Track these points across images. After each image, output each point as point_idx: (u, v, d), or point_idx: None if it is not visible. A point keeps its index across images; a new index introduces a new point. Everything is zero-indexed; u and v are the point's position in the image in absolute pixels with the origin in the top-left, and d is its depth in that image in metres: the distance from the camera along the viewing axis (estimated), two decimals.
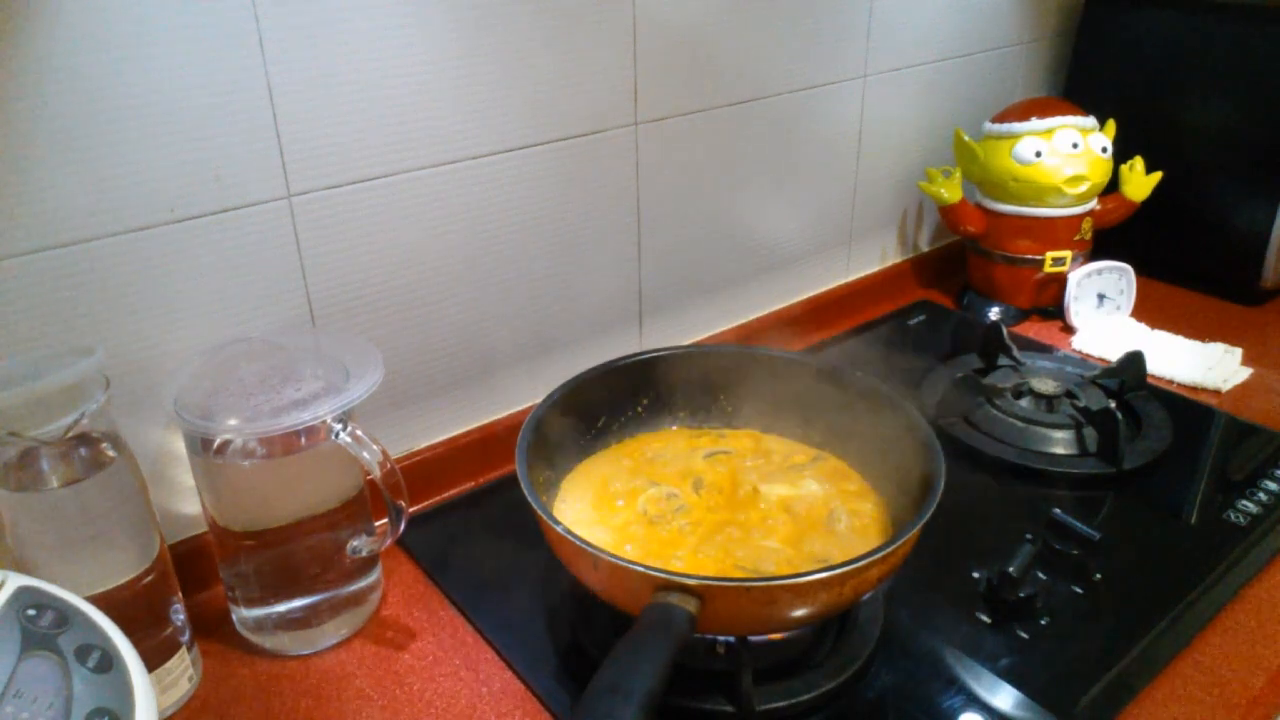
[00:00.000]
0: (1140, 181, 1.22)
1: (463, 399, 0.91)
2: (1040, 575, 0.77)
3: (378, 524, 0.74)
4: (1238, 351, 1.11)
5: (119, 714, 0.46)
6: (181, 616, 0.68)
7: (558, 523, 0.62)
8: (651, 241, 1.00)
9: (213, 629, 0.74)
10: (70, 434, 0.58)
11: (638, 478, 0.79)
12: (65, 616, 0.49)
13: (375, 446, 0.67)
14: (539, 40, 0.83)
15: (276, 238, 0.74)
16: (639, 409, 0.85)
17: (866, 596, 0.70)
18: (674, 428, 0.86)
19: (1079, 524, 0.79)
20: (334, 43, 0.72)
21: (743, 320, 1.14)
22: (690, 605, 0.56)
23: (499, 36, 0.80)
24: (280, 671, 0.71)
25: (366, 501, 0.74)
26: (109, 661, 0.48)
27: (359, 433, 0.67)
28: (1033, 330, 1.21)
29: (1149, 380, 1.03)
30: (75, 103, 0.62)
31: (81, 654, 0.48)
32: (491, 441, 0.92)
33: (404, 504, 0.68)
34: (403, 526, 0.68)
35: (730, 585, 0.58)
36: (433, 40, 0.77)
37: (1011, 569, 0.74)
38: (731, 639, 0.65)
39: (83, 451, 0.61)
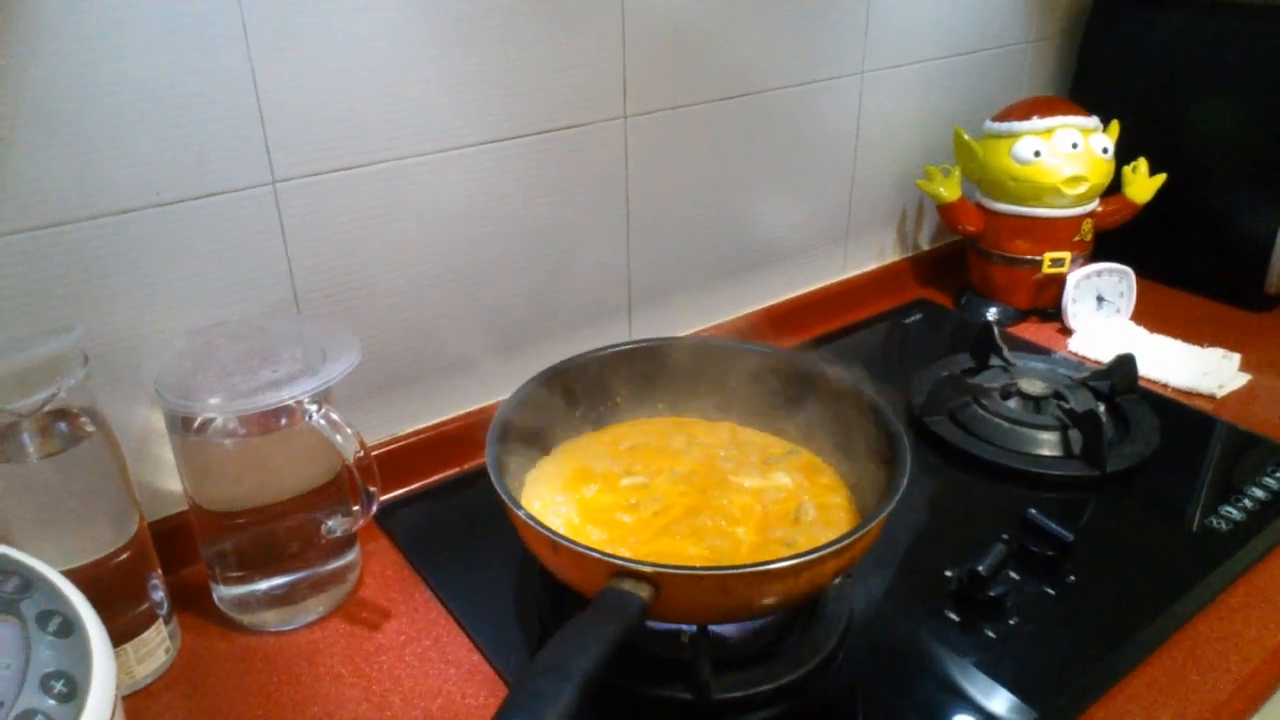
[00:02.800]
0: (1143, 183, 1.21)
1: (448, 386, 0.92)
2: (1013, 575, 0.77)
3: (355, 506, 0.75)
4: (1236, 357, 1.10)
5: (76, 677, 0.48)
6: (160, 592, 0.70)
7: (519, 506, 0.63)
8: (641, 234, 1.01)
9: (194, 604, 0.76)
10: (48, 408, 0.60)
11: (612, 465, 0.80)
12: (29, 583, 0.51)
13: (349, 430, 0.68)
14: (527, 30, 0.84)
15: (261, 223, 0.75)
16: (618, 399, 0.85)
17: (829, 586, 0.71)
18: (652, 418, 0.87)
19: (1053, 525, 0.79)
20: (319, 29, 0.73)
21: (735, 315, 1.14)
22: (644, 592, 0.57)
23: (486, 25, 0.81)
24: (257, 646, 0.73)
25: (344, 483, 0.75)
26: (69, 627, 0.50)
27: (334, 416, 0.68)
28: (1030, 331, 1.21)
29: (1142, 384, 1.03)
30: (59, 85, 0.64)
31: (43, 619, 0.49)
32: (475, 429, 0.92)
33: (375, 489, 0.69)
34: (373, 510, 0.70)
35: (683, 573, 0.58)
36: (420, 29, 0.78)
37: (981, 568, 0.74)
38: (693, 628, 0.66)
39: (62, 426, 0.63)
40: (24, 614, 0.49)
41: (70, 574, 0.54)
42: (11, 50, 0.61)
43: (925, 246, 1.36)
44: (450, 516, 0.87)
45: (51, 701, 0.46)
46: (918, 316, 1.25)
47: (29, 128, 0.63)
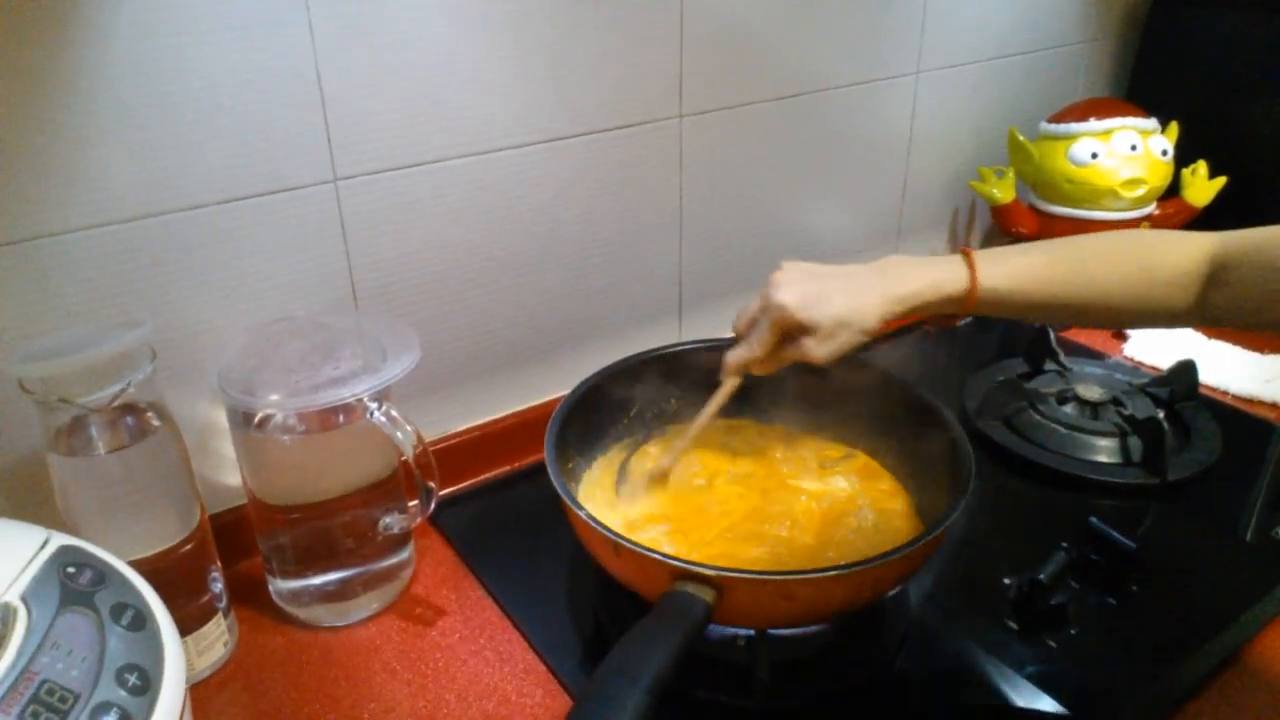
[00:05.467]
0: (1202, 186, 1.19)
1: (500, 384, 0.92)
2: (1073, 584, 0.76)
3: (410, 503, 0.75)
4: None
5: (149, 670, 0.48)
6: (219, 584, 0.70)
7: (581, 507, 0.63)
8: (694, 234, 1.00)
9: (250, 597, 0.77)
10: (117, 402, 0.61)
11: (668, 466, 0.79)
12: (103, 575, 0.51)
13: (409, 427, 0.68)
14: (584, 31, 0.83)
15: (322, 220, 0.76)
16: (674, 400, 0.85)
17: (889, 595, 0.70)
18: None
19: (1116, 534, 0.77)
20: (382, 31, 0.73)
21: None
22: (707, 595, 0.57)
23: (544, 26, 0.81)
24: (312, 641, 0.73)
25: (400, 480, 0.75)
26: (142, 620, 0.50)
27: (393, 413, 0.68)
28: (1084, 336, 1.19)
29: (1201, 391, 1.01)
30: (133, 85, 0.65)
31: (116, 612, 0.50)
32: (528, 427, 0.93)
33: (434, 484, 0.69)
34: (432, 506, 0.70)
35: (748, 577, 0.58)
36: (478, 28, 0.78)
37: (1042, 576, 0.73)
38: (751, 632, 0.65)
39: (129, 420, 0.63)
40: (98, 606, 0.49)
41: (135, 565, 0.55)
42: (84, 50, 0.62)
43: (976, 249, 1.34)
44: (502, 514, 0.87)
45: (125, 694, 0.47)
46: (968, 320, 1.23)
47: (102, 126, 0.64)
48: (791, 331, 0.70)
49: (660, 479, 0.77)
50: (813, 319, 0.68)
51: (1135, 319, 0.70)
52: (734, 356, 0.74)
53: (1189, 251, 0.67)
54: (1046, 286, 0.69)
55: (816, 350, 0.69)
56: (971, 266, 0.69)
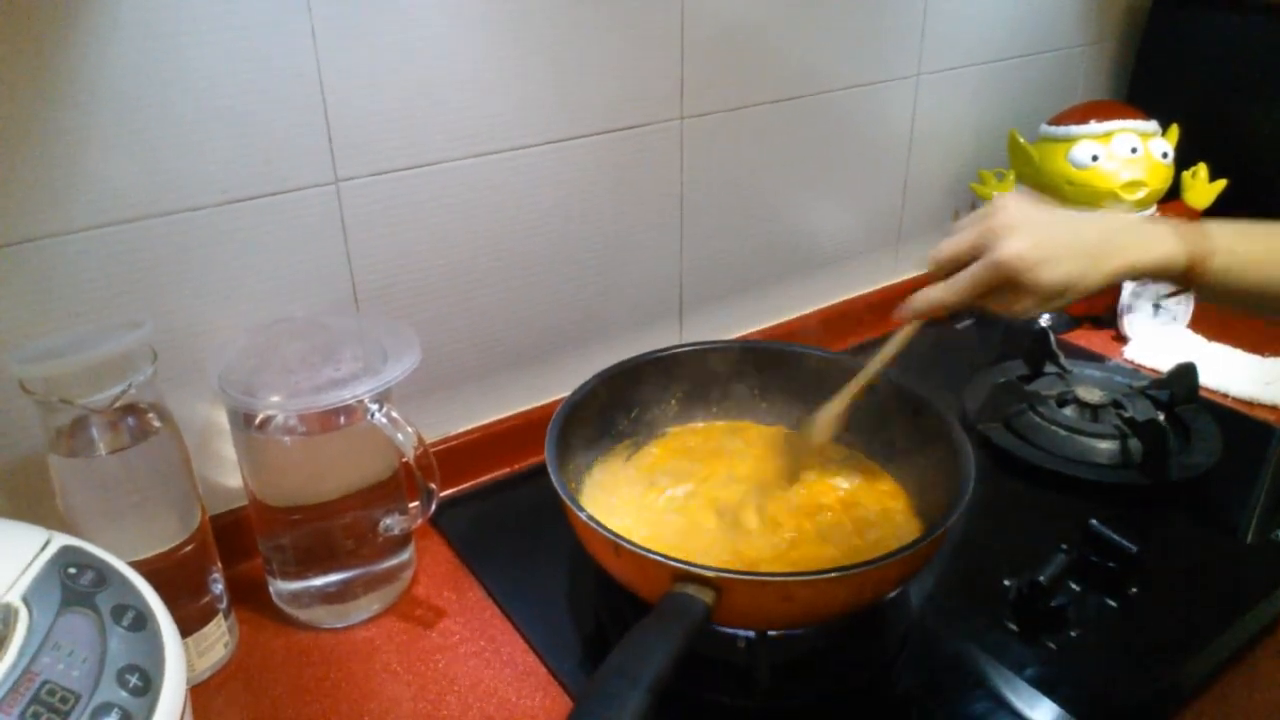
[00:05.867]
0: (1203, 189, 1.19)
1: (501, 386, 0.92)
2: (1074, 586, 0.76)
3: (411, 504, 0.75)
4: None
5: (149, 671, 0.48)
6: (220, 585, 0.70)
7: (582, 509, 0.63)
8: (694, 236, 1.00)
9: (250, 598, 0.77)
10: (118, 404, 0.61)
11: (669, 468, 0.80)
12: (104, 576, 0.51)
13: (409, 428, 0.68)
14: (586, 32, 0.84)
15: (323, 222, 0.76)
16: (674, 401, 0.85)
17: (889, 596, 0.70)
18: (707, 421, 0.86)
19: (1116, 536, 0.77)
20: (384, 33, 0.73)
21: (785, 318, 1.14)
22: (707, 596, 0.57)
23: (545, 28, 0.81)
24: (312, 642, 0.73)
25: (401, 482, 0.75)
26: (143, 621, 0.50)
27: (394, 414, 0.68)
28: (1084, 338, 1.19)
29: (1201, 393, 1.01)
30: (132, 84, 0.65)
31: (117, 613, 0.50)
32: (528, 429, 0.93)
33: (435, 486, 0.69)
34: (433, 507, 0.70)
35: (747, 578, 0.58)
36: (480, 31, 0.78)
37: (1042, 578, 0.73)
38: (751, 633, 0.65)
39: (130, 421, 0.63)
40: (99, 607, 0.49)
41: (136, 566, 0.55)
42: (86, 50, 0.62)
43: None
44: (502, 516, 0.87)
45: (126, 695, 0.47)
46: (968, 322, 1.23)
47: (102, 126, 0.64)
48: (1007, 285, 0.62)
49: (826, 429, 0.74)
50: (1036, 282, 0.61)
51: None
52: (930, 296, 0.65)
53: None
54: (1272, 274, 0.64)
55: (1025, 309, 0.63)
56: (1209, 243, 0.63)
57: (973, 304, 0.64)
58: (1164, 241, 0.64)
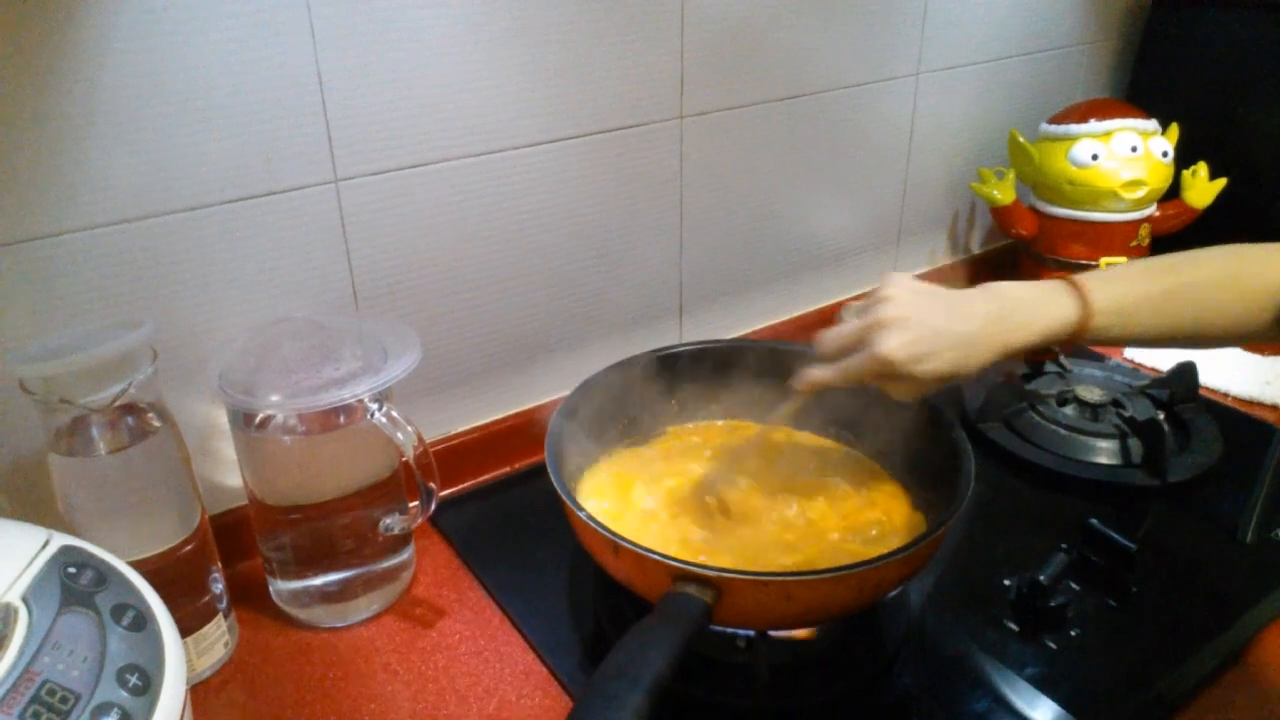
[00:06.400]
0: (1203, 188, 1.19)
1: (501, 386, 0.92)
2: (1073, 586, 0.76)
3: (411, 504, 0.75)
4: None
5: (149, 671, 0.48)
6: (220, 585, 0.70)
7: (581, 508, 0.63)
8: (694, 235, 1.00)
9: (250, 598, 0.77)
10: (118, 403, 0.61)
11: (670, 468, 0.79)
12: (103, 576, 0.51)
13: (409, 428, 0.68)
14: (587, 32, 0.84)
15: (323, 221, 0.76)
16: (674, 401, 0.85)
17: (889, 596, 0.70)
18: (708, 421, 0.86)
19: (1116, 535, 0.77)
20: (383, 33, 0.73)
21: (785, 317, 1.14)
22: (707, 596, 0.57)
23: (546, 27, 0.81)
24: (312, 642, 0.73)
25: (401, 481, 0.75)
26: (143, 621, 0.50)
27: (394, 413, 0.68)
28: None
29: (1201, 393, 1.01)
30: (131, 85, 0.65)
31: (117, 612, 0.50)
32: (528, 428, 0.93)
33: (435, 485, 0.69)
34: (433, 507, 0.70)
35: (747, 578, 0.58)
36: (481, 30, 0.78)
37: (1042, 577, 0.73)
38: (751, 633, 0.65)
39: (130, 421, 0.63)
40: (99, 607, 0.49)
41: (136, 565, 0.55)
42: (85, 50, 0.62)
43: (977, 250, 1.34)
44: (503, 515, 0.87)
45: (126, 694, 0.47)
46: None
47: (101, 126, 0.64)
48: (889, 375, 0.65)
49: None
50: (917, 373, 0.63)
51: (1225, 342, 0.68)
52: (815, 376, 0.68)
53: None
54: (1151, 320, 0.66)
55: (904, 396, 0.67)
56: (1086, 305, 0.65)
57: (859, 385, 0.67)
58: (1051, 318, 0.65)
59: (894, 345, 0.62)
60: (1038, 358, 1.04)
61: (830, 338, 0.68)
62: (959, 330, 0.64)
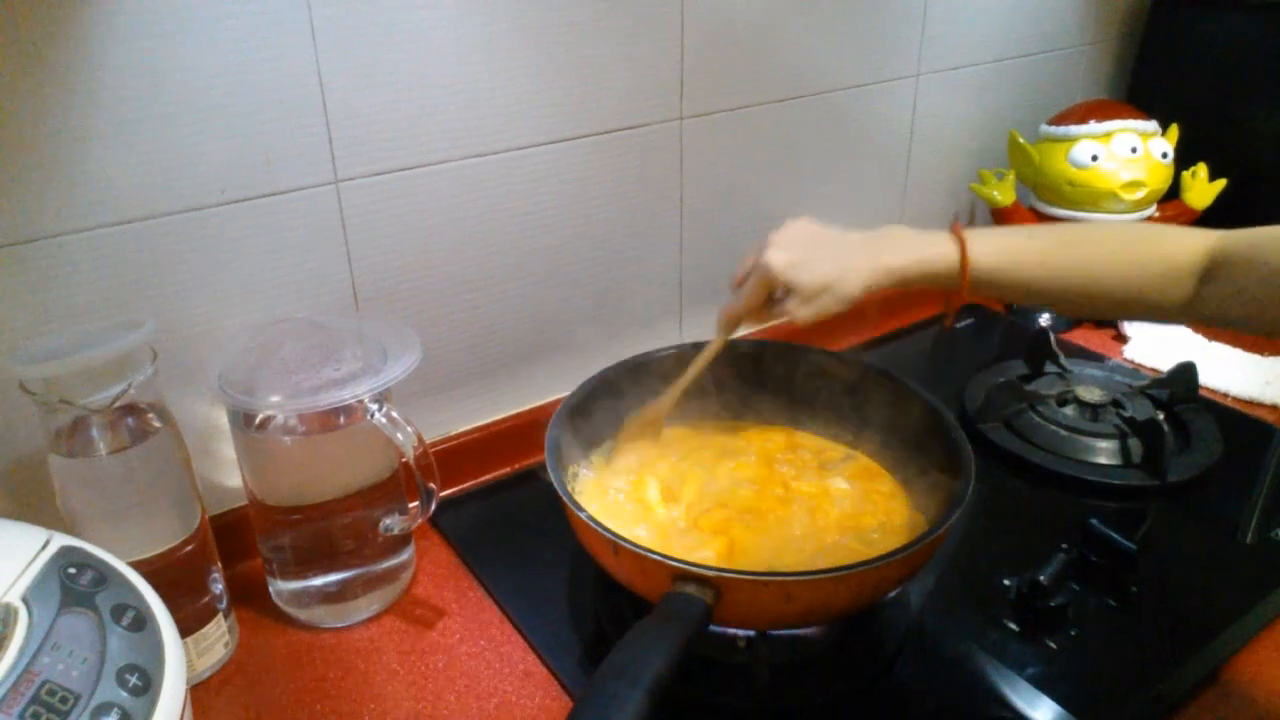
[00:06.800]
0: (1202, 189, 1.19)
1: (501, 386, 0.93)
2: (1074, 586, 0.76)
3: (411, 504, 0.75)
4: None
5: (149, 671, 0.48)
6: (220, 585, 0.70)
7: (581, 509, 0.63)
8: (694, 236, 1.00)
9: (250, 598, 0.77)
10: (118, 404, 0.61)
11: (670, 467, 0.79)
12: (103, 576, 0.51)
13: (409, 428, 0.68)
14: (586, 33, 0.84)
15: (323, 222, 0.76)
16: None
17: (889, 596, 0.70)
18: (709, 420, 0.86)
19: (1116, 535, 0.77)
20: (384, 33, 0.73)
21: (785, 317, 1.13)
22: (707, 596, 0.57)
23: (546, 28, 0.81)
24: (312, 642, 0.73)
25: (400, 482, 0.75)
26: (143, 621, 0.50)
27: (394, 414, 0.68)
28: (1083, 338, 1.19)
29: (1201, 393, 1.01)
30: (132, 85, 0.65)
31: (117, 613, 0.50)
32: (528, 429, 0.93)
33: (435, 485, 0.69)
34: (433, 507, 0.70)
35: (747, 578, 0.58)
36: (481, 31, 0.78)
37: (1042, 577, 0.73)
38: (751, 633, 0.65)
39: (130, 421, 0.63)
40: (99, 607, 0.49)
41: (136, 566, 0.55)
42: (86, 50, 0.62)
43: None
44: (502, 516, 0.87)
45: (126, 694, 0.47)
46: (968, 321, 1.23)
47: (101, 126, 0.64)
48: (777, 290, 0.71)
49: (652, 426, 0.80)
50: (796, 281, 0.69)
51: (1126, 310, 0.70)
52: (727, 311, 0.76)
53: (1187, 246, 0.67)
54: (1039, 270, 0.69)
55: (798, 311, 0.71)
56: (962, 245, 0.69)
57: (762, 311, 0.74)
58: (926, 248, 0.70)
59: (775, 256, 0.70)
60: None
61: (738, 268, 0.76)
62: (835, 247, 0.72)
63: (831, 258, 0.70)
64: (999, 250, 0.69)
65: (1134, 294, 0.68)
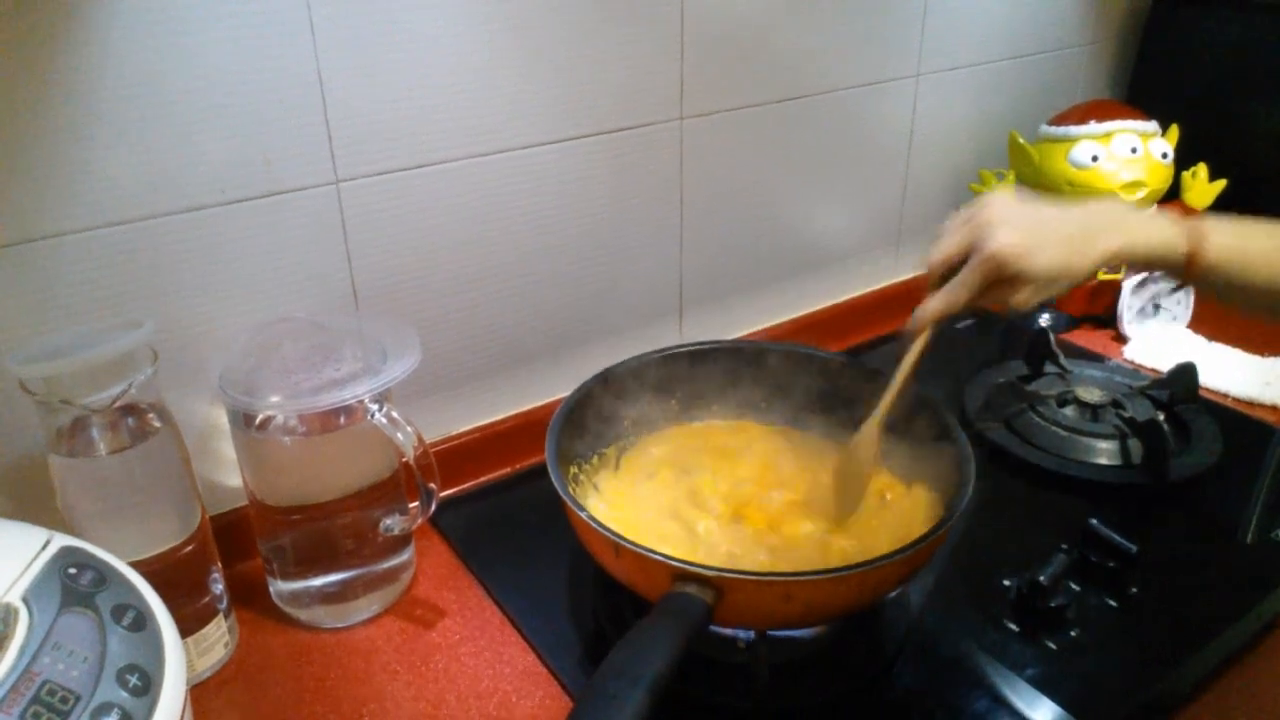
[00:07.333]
0: (1203, 189, 1.19)
1: (501, 386, 0.93)
2: (1074, 586, 0.76)
3: (411, 504, 0.75)
4: None
5: (149, 671, 0.48)
6: (220, 585, 0.70)
7: (582, 508, 0.63)
8: (694, 236, 1.00)
9: (250, 598, 0.77)
10: (118, 404, 0.61)
11: (671, 469, 0.80)
12: (104, 576, 0.51)
13: (409, 428, 0.68)
14: (585, 33, 0.84)
15: (323, 222, 0.76)
16: (674, 401, 0.85)
17: (889, 596, 0.70)
18: (707, 421, 0.86)
19: (1116, 536, 0.77)
20: (384, 33, 0.73)
21: (785, 318, 1.14)
22: (707, 596, 0.57)
23: (546, 28, 0.81)
24: (312, 642, 0.73)
25: (401, 482, 0.75)
26: (143, 621, 0.50)
27: (394, 414, 0.68)
28: (1084, 338, 1.19)
29: (1201, 393, 1.01)
30: (132, 84, 0.65)
31: (117, 613, 0.50)
32: (529, 428, 0.93)
33: (435, 485, 0.69)
34: (433, 507, 0.70)
35: (747, 578, 0.58)
36: (481, 31, 0.78)
37: (1042, 578, 0.73)
38: (751, 633, 0.65)
39: (130, 421, 0.63)
40: (99, 607, 0.49)
41: (136, 566, 0.55)
42: (86, 50, 0.62)
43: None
44: (503, 516, 0.87)
45: (126, 695, 0.47)
46: (968, 322, 1.23)
47: (102, 127, 0.64)
48: (1001, 278, 0.63)
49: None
50: (1030, 269, 0.62)
51: None
52: (934, 306, 0.67)
53: None
54: (1267, 271, 0.64)
55: (1022, 300, 0.64)
56: (1198, 232, 0.63)
57: (973, 304, 0.65)
58: (1160, 228, 0.64)
59: (1004, 240, 0.61)
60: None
61: (938, 250, 0.67)
62: (1069, 224, 0.63)
63: (1061, 241, 0.63)
64: (1237, 248, 0.63)
65: None
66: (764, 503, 0.75)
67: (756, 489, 0.77)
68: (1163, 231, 0.64)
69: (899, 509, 0.75)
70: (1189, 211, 1.19)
